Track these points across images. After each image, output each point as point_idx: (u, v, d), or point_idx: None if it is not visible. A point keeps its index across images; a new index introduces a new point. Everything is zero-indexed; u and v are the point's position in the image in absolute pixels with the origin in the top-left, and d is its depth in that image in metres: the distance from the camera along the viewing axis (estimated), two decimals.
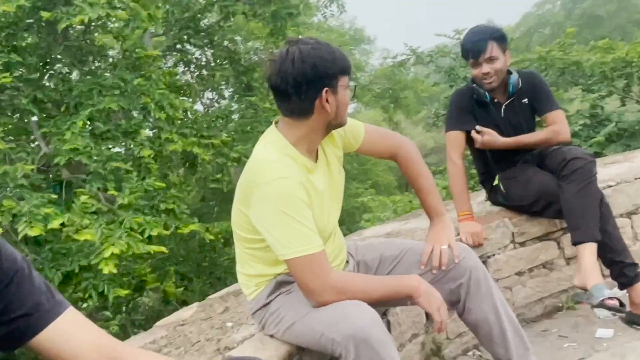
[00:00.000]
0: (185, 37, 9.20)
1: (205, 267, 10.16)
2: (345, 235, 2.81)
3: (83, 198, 4.58)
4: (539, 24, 30.25)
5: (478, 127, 2.60)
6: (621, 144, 5.56)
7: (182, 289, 9.32)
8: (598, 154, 5.46)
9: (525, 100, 2.67)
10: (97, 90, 5.40)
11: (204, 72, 10.84)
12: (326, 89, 1.63)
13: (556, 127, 2.59)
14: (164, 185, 5.07)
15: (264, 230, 1.62)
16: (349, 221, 14.63)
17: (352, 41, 17.66)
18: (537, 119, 2.78)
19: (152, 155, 5.48)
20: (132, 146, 5.39)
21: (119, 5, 5.23)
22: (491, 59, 2.53)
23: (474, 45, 2.55)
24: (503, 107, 2.67)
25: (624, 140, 5.64)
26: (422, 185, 2.03)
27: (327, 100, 1.64)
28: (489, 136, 2.57)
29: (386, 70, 14.89)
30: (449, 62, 7.82)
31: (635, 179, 2.90)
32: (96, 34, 6.60)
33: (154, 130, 6.47)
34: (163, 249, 4.55)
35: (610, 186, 2.85)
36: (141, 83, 5.58)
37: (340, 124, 1.75)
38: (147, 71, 6.09)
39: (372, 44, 19.67)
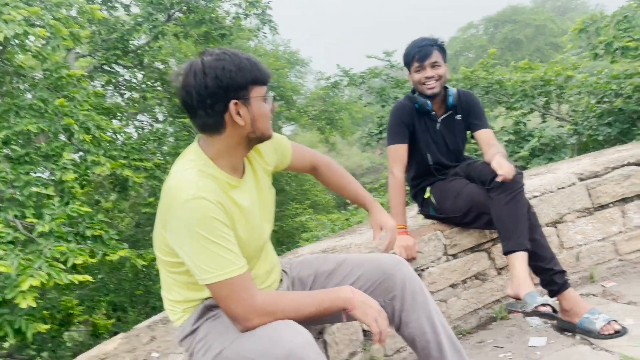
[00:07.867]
0: (113, 57, 8.92)
1: (140, 296, 9.72)
2: (282, 254, 2.73)
3: None
4: (464, 47, 31.88)
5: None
6: (544, 158, 5.85)
7: (114, 320, 8.87)
8: (523, 168, 5.71)
9: (459, 116, 2.76)
10: (14, 111, 5.06)
11: (135, 94, 10.52)
12: (234, 101, 1.54)
13: (497, 143, 2.66)
14: (89, 210, 4.78)
15: (182, 254, 1.52)
16: (289, 242, 14.50)
17: (287, 64, 17.80)
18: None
19: (76, 179, 5.18)
20: (54, 170, 5.05)
21: (37, 23, 4.96)
22: (435, 64, 2.63)
23: (421, 50, 2.63)
24: (439, 120, 2.74)
25: (546, 154, 5.93)
26: (347, 180, 2.10)
27: (238, 113, 1.55)
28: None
29: (321, 92, 15.07)
30: (380, 83, 8.00)
31: (559, 189, 3.00)
32: (15, 55, 6.24)
33: (80, 153, 6.16)
34: (89, 278, 4.25)
35: (535, 196, 2.93)
36: (63, 104, 5.29)
37: (263, 137, 1.65)
38: (70, 91, 5.78)
39: (307, 66, 19.89)
